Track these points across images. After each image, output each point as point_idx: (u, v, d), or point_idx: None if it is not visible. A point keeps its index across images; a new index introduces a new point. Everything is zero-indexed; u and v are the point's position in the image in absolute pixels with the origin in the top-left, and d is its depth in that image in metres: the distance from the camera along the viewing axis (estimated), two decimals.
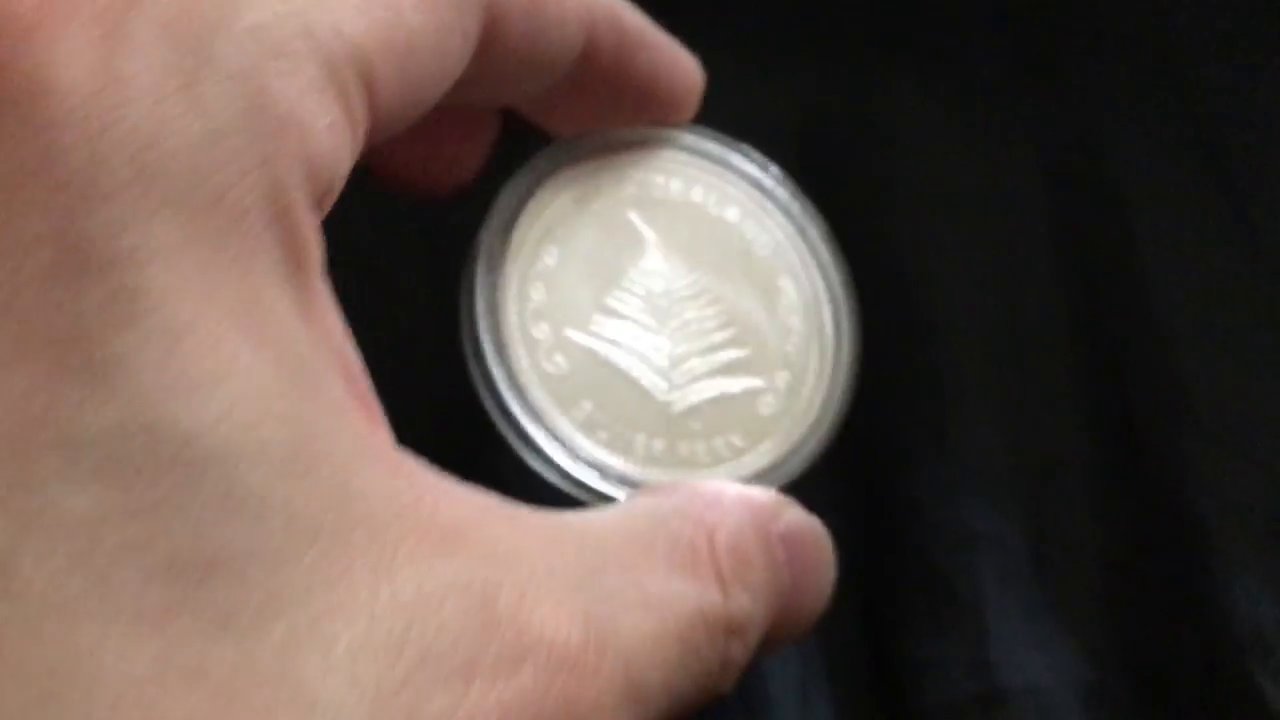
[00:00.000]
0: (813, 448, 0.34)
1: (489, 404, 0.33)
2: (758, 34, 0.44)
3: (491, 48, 0.29)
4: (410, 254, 0.39)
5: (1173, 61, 0.43)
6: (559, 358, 0.33)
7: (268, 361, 0.23)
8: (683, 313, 0.34)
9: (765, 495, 0.32)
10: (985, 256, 0.42)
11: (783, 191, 0.36)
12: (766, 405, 0.34)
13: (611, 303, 0.34)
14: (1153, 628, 0.38)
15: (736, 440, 0.34)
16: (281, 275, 0.25)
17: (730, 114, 0.41)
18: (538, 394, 0.33)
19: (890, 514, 0.39)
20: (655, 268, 0.34)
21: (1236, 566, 0.37)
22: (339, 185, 0.26)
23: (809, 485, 0.38)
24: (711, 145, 0.36)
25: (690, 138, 0.36)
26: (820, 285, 0.36)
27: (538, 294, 0.33)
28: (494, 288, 0.33)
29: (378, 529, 0.24)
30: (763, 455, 0.34)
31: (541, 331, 0.33)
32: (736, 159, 0.36)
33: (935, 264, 0.41)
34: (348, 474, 0.24)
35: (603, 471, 0.33)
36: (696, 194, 0.35)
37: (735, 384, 0.34)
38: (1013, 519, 0.39)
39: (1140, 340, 0.41)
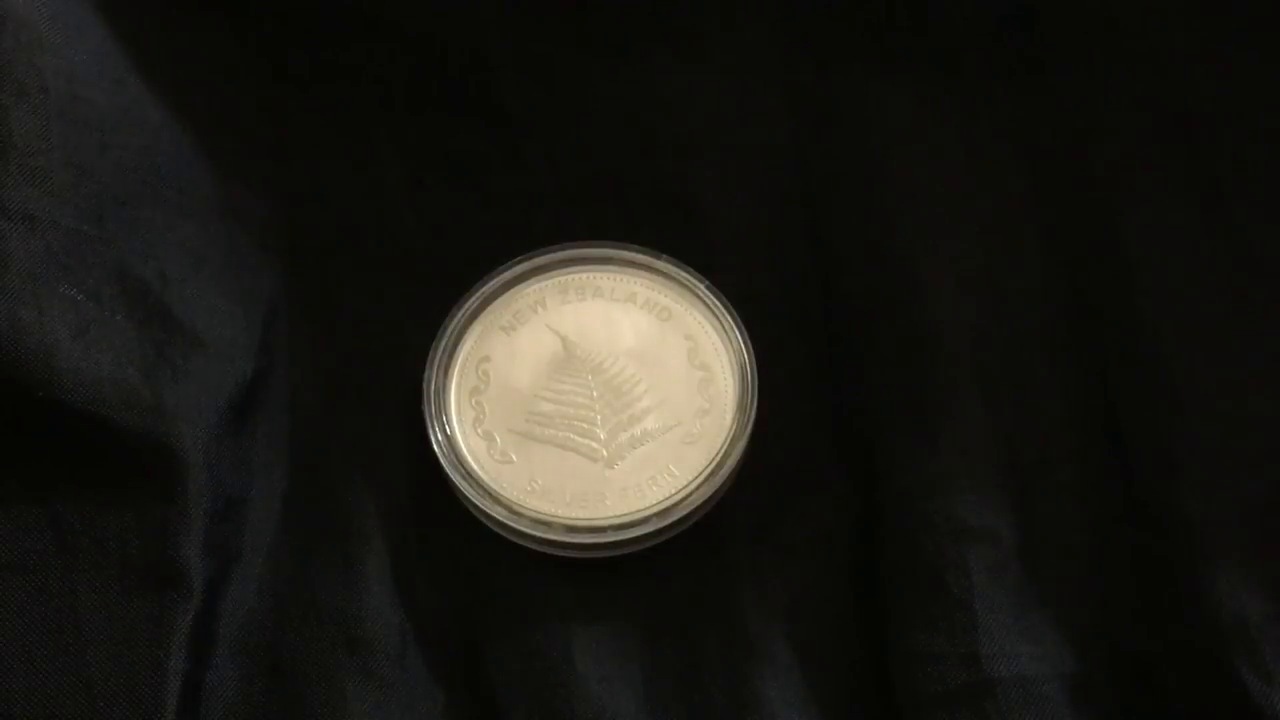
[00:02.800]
0: (736, 454, 0.40)
1: (458, 493, 0.40)
2: (754, 43, 0.44)
3: None
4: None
5: (1159, 65, 0.42)
6: (511, 454, 0.40)
7: None
8: (607, 388, 0.40)
9: None
10: (976, 256, 0.41)
11: (664, 264, 0.42)
12: (689, 436, 0.40)
13: (546, 397, 0.41)
14: (1139, 620, 0.37)
15: (673, 468, 0.40)
16: None
17: (728, 122, 0.44)
18: (493, 483, 0.40)
19: (882, 509, 0.39)
20: (575, 362, 0.41)
21: (1221, 560, 0.36)
22: None
23: (804, 481, 0.41)
24: (592, 250, 0.42)
25: (570, 252, 0.42)
26: (715, 329, 0.41)
27: (483, 410, 0.40)
28: (445, 414, 0.40)
29: None
30: (695, 471, 0.40)
31: (490, 438, 0.40)
32: (620, 253, 0.42)
33: (927, 263, 0.41)
34: None
35: (547, 524, 0.39)
36: (596, 291, 0.41)
37: (660, 429, 0.40)
38: (1003, 514, 0.38)
39: (1127, 338, 0.40)
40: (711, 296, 0.42)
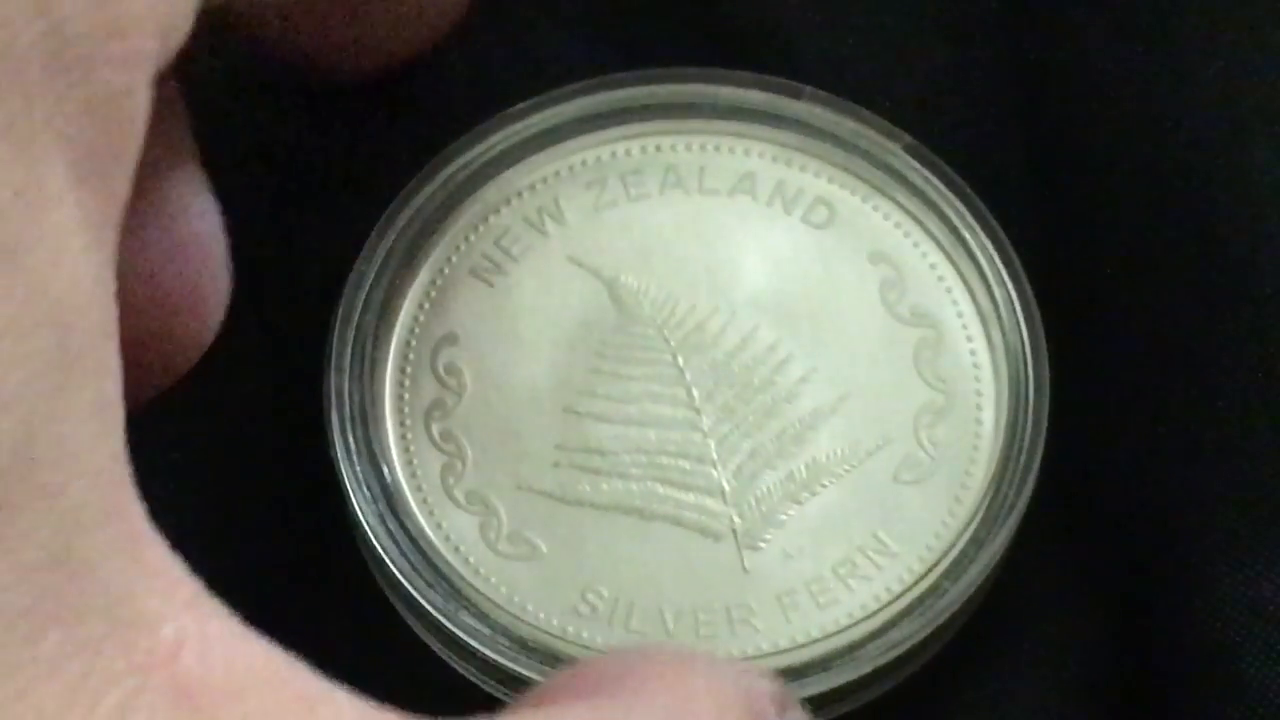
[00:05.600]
0: (1021, 496, 0.27)
1: (419, 624, 0.27)
2: None
3: None
4: None
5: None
6: (534, 538, 0.27)
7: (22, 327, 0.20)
8: (720, 378, 0.28)
9: (765, 684, 0.23)
10: None
11: (816, 108, 0.30)
12: (912, 464, 0.27)
13: (593, 411, 0.28)
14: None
15: (884, 538, 0.27)
16: (75, 184, 0.21)
17: None
18: (502, 601, 0.27)
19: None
20: (638, 330, 0.28)
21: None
22: (181, 28, 0.22)
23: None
24: (653, 90, 0.29)
25: (608, 96, 0.29)
26: (936, 236, 0.29)
27: (460, 450, 0.27)
28: (378, 463, 0.27)
29: (93, 642, 0.20)
30: (933, 539, 0.27)
31: (484, 508, 0.27)
32: (717, 90, 0.29)
33: None
34: (77, 541, 0.20)
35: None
36: (667, 175, 0.29)
37: (845, 453, 0.27)
38: None
39: None
40: (926, 172, 0.29)
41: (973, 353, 0.27)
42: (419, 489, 0.27)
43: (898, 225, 0.28)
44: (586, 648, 0.26)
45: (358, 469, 0.26)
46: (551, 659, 0.26)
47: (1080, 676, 0.32)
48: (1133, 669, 0.32)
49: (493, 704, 0.27)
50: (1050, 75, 0.34)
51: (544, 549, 0.26)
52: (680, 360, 0.27)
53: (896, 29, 0.34)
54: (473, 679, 0.26)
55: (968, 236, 0.28)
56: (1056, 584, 0.32)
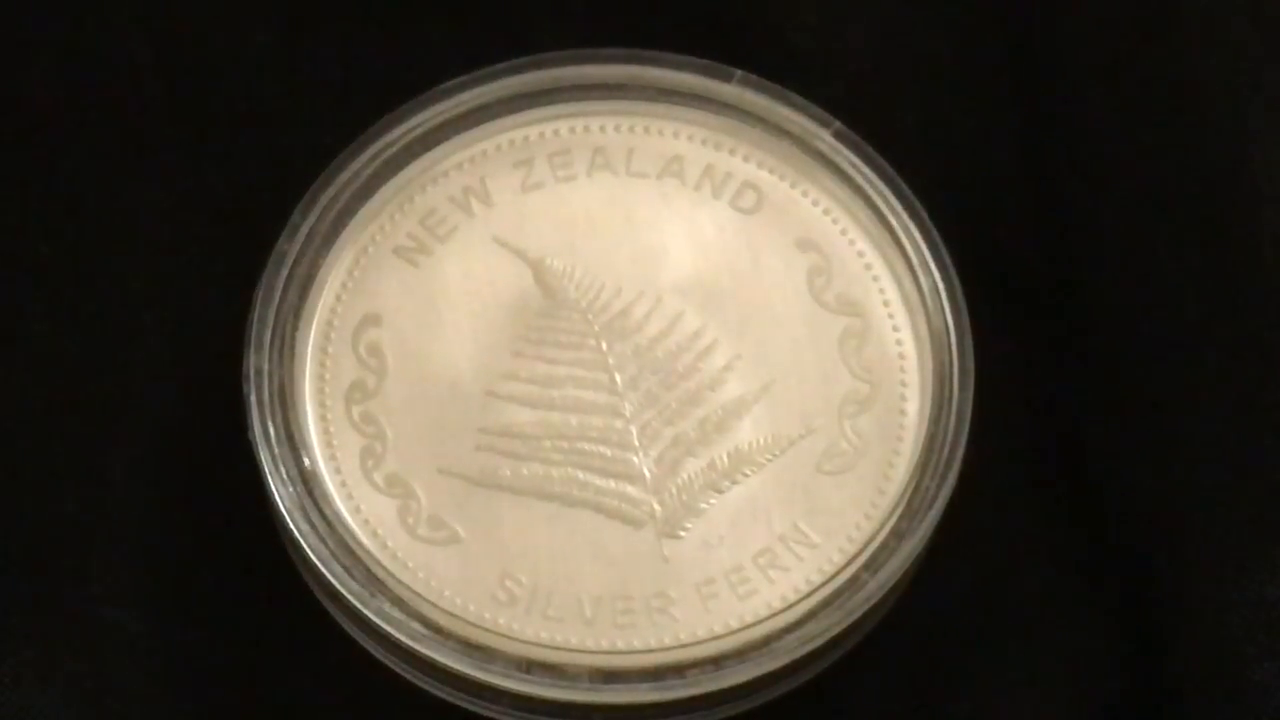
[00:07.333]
0: (943, 489, 0.27)
1: (338, 610, 0.27)
2: None
3: None
4: None
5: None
6: (452, 522, 0.26)
7: None
8: (642, 363, 0.27)
9: None
10: None
11: (743, 92, 0.29)
12: (834, 454, 0.27)
13: (515, 395, 0.27)
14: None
15: (804, 529, 0.26)
16: None
17: None
18: (419, 587, 0.26)
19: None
20: (564, 314, 0.28)
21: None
22: None
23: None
24: (583, 70, 0.29)
25: (537, 75, 0.29)
26: (862, 222, 0.28)
27: (380, 431, 0.27)
28: (298, 444, 0.26)
29: None
30: (853, 531, 0.26)
31: (403, 491, 0.27)
32: (645, 72, 0.29)
33: None
34: None
35: (553, 669, 0.26)
36: (596, 157, 0.29)
37: (767, 444, 0.27)
38: None
39: None
40: (854, 158, 0.28)
41: (899, 342, 0.27)
42: (338, 472, 0.26)
43: (826, 212, 0.27)
44: (504, 635, 0.25)
45: (276, 452, 0.26)
46: (468, 646, 0.25)
47: (1084, 680, 0.32)
48: (1137, 673, 0.32)
49: (411, 689, 0.27)
50: (1050, 74, 0.34)
51: (463, 534, 0.26)
52: (604, 345, 0.27)
53: (894, 24, 0.34)
54: (389, 664, 0.26)
55: (895, 224, 0.27)
56: (1060, 588, 0.32)
